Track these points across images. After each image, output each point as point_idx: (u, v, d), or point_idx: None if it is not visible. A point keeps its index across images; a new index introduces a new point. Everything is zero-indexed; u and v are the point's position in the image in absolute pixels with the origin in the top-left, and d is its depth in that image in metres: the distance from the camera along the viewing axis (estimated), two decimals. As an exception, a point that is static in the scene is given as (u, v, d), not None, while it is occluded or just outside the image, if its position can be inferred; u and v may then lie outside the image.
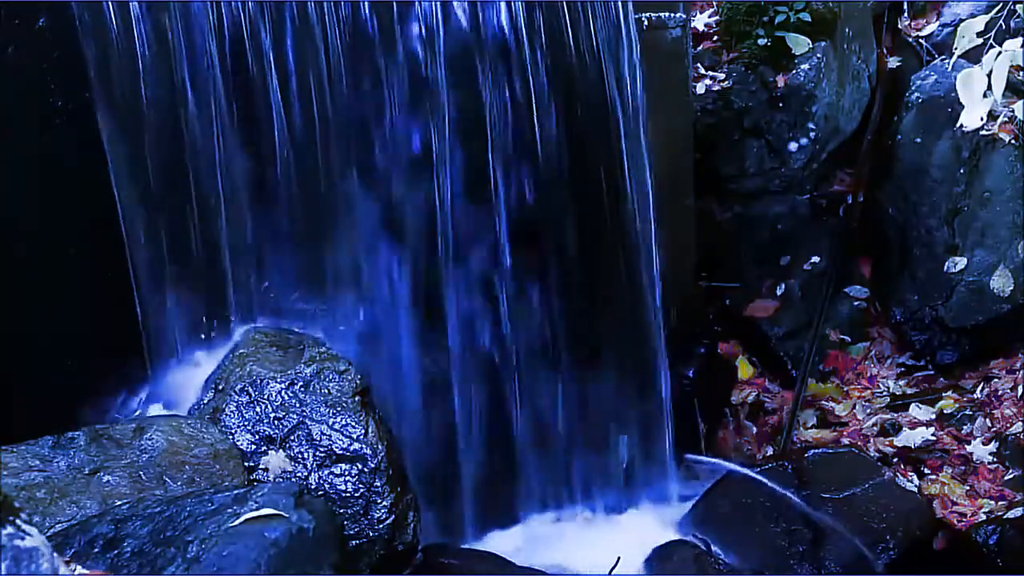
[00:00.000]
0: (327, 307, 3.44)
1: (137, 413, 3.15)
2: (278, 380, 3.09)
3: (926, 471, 4.22)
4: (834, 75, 4.50)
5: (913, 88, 4.54)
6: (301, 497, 2.41)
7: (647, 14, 3.80)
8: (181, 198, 3.22)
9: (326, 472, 2.97)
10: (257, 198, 3.31)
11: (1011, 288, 4.39)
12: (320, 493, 2.91)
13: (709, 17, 4.58)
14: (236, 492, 2.47)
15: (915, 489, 4.10)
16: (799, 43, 4.44)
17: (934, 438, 4.32)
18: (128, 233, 3.17)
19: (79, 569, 2.01)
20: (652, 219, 3.77)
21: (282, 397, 3.06)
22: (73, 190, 3.07)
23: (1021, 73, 4.12)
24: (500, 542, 3.75)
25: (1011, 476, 4.11)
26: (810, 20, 4.41)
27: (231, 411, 3.04)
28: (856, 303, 4.72)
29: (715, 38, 4.56)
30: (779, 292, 4.62)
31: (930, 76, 4.52)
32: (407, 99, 3.38)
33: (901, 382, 4.57)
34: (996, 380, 4.44)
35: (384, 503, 2.96)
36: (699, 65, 4.47)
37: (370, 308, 3.51)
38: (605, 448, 3.96)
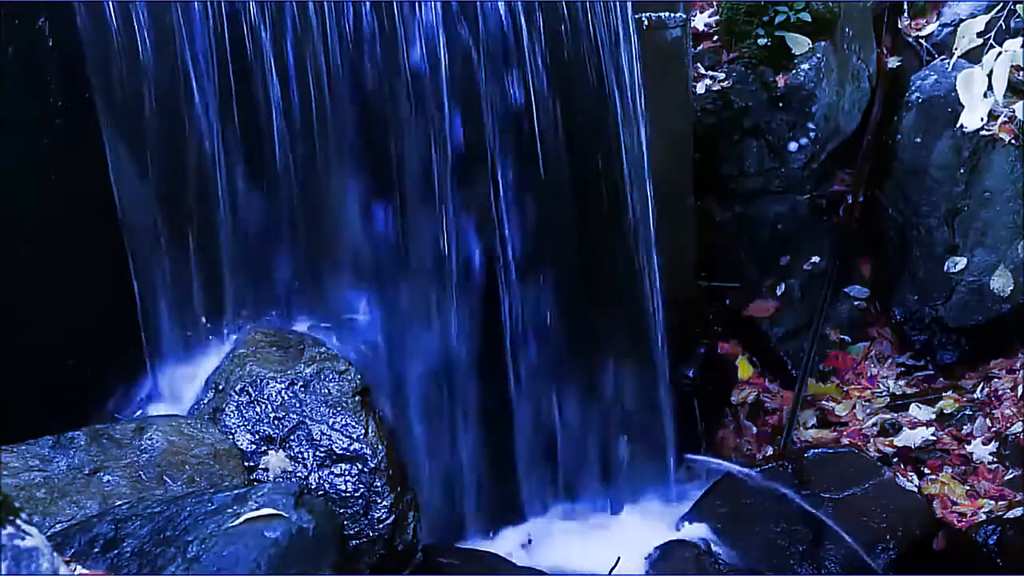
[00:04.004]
0: (327, 305, 3.44)
1: (137, 413, 3.15)
2: (278, 380, 3.09)
3: (926, 471, 4.21)
4: (834, 75, 4.50)
5: (913, 88, 4.53)
6: (301, 497, 2.41)
7: (647, 14, 3.80)
8: (181, 198, 3.22)
9: (326, 472, 2.97)
10: (257, 197, 3.31)
11: (1011, 288, 4.39)
12: (320, 493, 2.91)
13: (709, 17, 4.58)
14: (236, 492, 2.47)
15: (915, 489, 4.10)
16: (799, 43, 4.44)
17: (934, 438, 4.32)
18: (128, 233, 3.17)
19: (79, 569, 2.01)
20: (652, 219, 3.77)
21: (282, 397, 3.06)
22: (73, 190, 3.07)
23: (1021, 73, 4.12)
24: (500, 542, 3.75)
25: (1011, 476, 4.11)
26: (810, 20, 4.40)
27: (231, 411, 3.05)
28: (856, 303, 4.72)
29: (715, 38, 4.56)
30: (779, 292, 4.62)
31: (930, 76, 4.52)
32: (407, 99, 3.38)
33: (901, 382, 4.57)
34: (996, 380, 4.44)
35: (384, 503, 2.96)
36: (699, 65, 4.47)
37: (369, 307, 3.51)
38: (605, 448, 3.96)
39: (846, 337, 4.67)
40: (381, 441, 3.02)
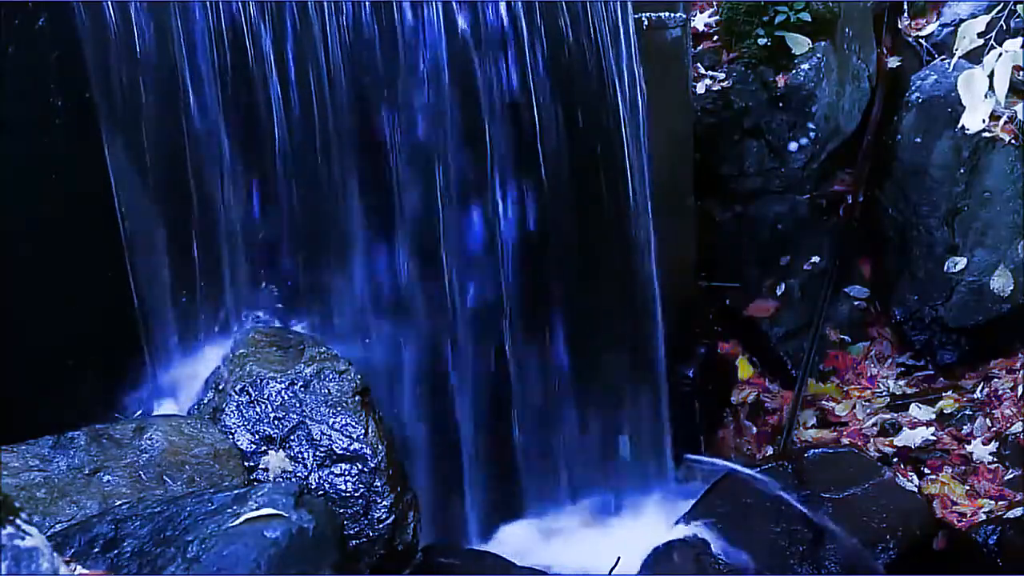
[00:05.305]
0: (326, 306, 3.44)
1: (137, 413, 3.15)
2: (278, 380, 3.08)
3: (926, 471, 4.21)
4: (834, 75, 4.50)
5: (913, 88, 4.53)
6: (301, 497, 2.41)
7: (647, 14, 3.80)
8: (181, 198, 3.22)
9: (326, 472, 2.97)
10: (257, 198, 3.31)
11: (1011, 288, 4.39)
12: (320, 493, 2.91)
13: (709, 17, 4.58)
14: (236, 492, 2.47)
15: (915, 489, 4.10)
16: (799, 43, 4.44)
17: (934, 438, 4.32)
18: (128, 233, 3.17)
19: (79, 569, 2.01)
20: (652, 219, 3.77)
21: (282, 397, 3.06)
22: (73, 190, 3.07)
23: (1021, 73, 4.12)
24: (500, 542, 3.75)
25: (1011, 476, 4.11)
26: (810, 20, 4.40)
27: (231, 411, 3.04)
28: (856, 303, 4.72)
29: (715, 38, 4.56)
30: (779, 292, 4.62)
31: (930, 76, 4.52)
32: (407, 99, 3.38)
33: (901, 382, 4.57)
34: (996, 380, 4.44)
35: (384, 503, 2.96)
36: (699, 65, 4.47)
37: (369, 307, 3.51)
38: (605, 448, 3.96)
39: (846, 337, 4.67)
40: (381, 441, 3.02)
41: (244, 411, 3.04)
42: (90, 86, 3.04)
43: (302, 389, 3.07)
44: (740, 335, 4.64)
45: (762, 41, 4.43)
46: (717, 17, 4.56)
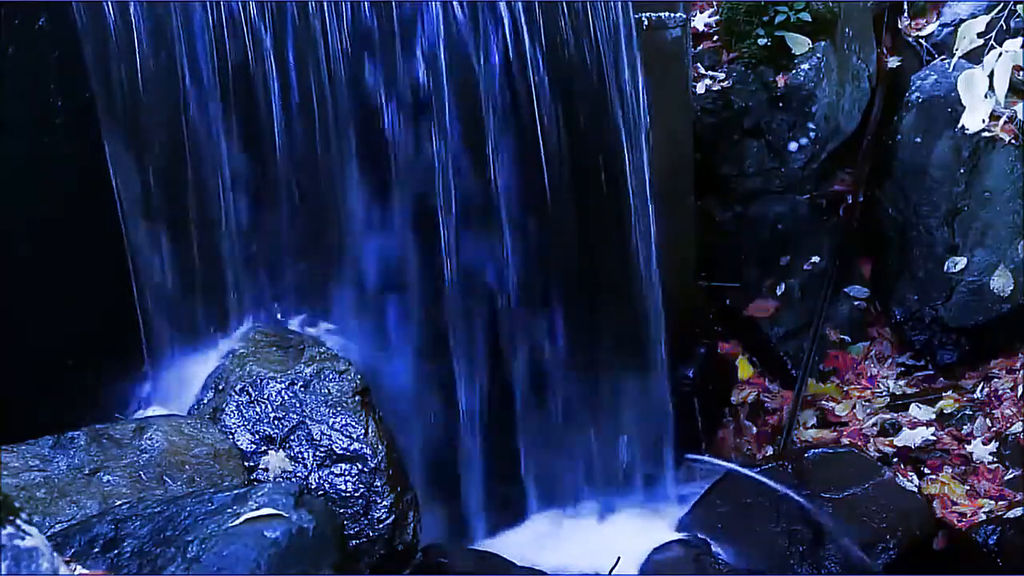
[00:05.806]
0: (327, 304, 3.44)
1: (137, 413, 3.15)
2: (278, 380, 3.09)
3: (926, 471, 4.22)
4: (834, 75, 4.50)
5: (913, 88, 4.53)
6: (301, 497, 2.41)
7: (647, 14, 3.80)
8: (181, 198, 3.22)
9: (326, 472, 2.97)
10: (257, 197, 3.31)
11: (1011, 288, 4.39)
12: (320, 493, 2.91)
13: (709, 17, 4.58)
14: (236, 492, 2.47)
15: (915, 489, 4.10)
16: (799, 43, 4.44)
17: (934, 438, 4.32)
18: (128, 232, 3.17)
19: (79, 569, 2.01)
20: (652, 219, 3.77)
21: (282, 397, 3.06)
22: (73, 190, 3.07)
23: (1021, 73, 4.12)
24: (500, 542, 3.75)
25: (1011, 476, 4.11)
26: (810, 20, 4.40)
27: (231, 411, 3.04)
28: (856, 303, 4.72)
29: (715, 38, 4.56)
30: (779, 292, 4.62)
31: (930, 76, 4.52)
32: (407, 99, 3.38)
33: (901, 382, 4.57)
34: (996, 380, 4.43)
35: (384, 503, 2.96)
36: (699, 65, 4.47)
37: (370, 307, 3.51)
38: (605, 448, 3.96)
39: (846, 337, 4.67)
40: (381, 441, 3.02)
41: (244, 411, 3.04)
42: (90, 86, 3.04)
43: (302, 389, 3.07)
44: (740, 335, 4.64)
45: (762, 41, 4.43)
46: (717, 17, 4.56)
